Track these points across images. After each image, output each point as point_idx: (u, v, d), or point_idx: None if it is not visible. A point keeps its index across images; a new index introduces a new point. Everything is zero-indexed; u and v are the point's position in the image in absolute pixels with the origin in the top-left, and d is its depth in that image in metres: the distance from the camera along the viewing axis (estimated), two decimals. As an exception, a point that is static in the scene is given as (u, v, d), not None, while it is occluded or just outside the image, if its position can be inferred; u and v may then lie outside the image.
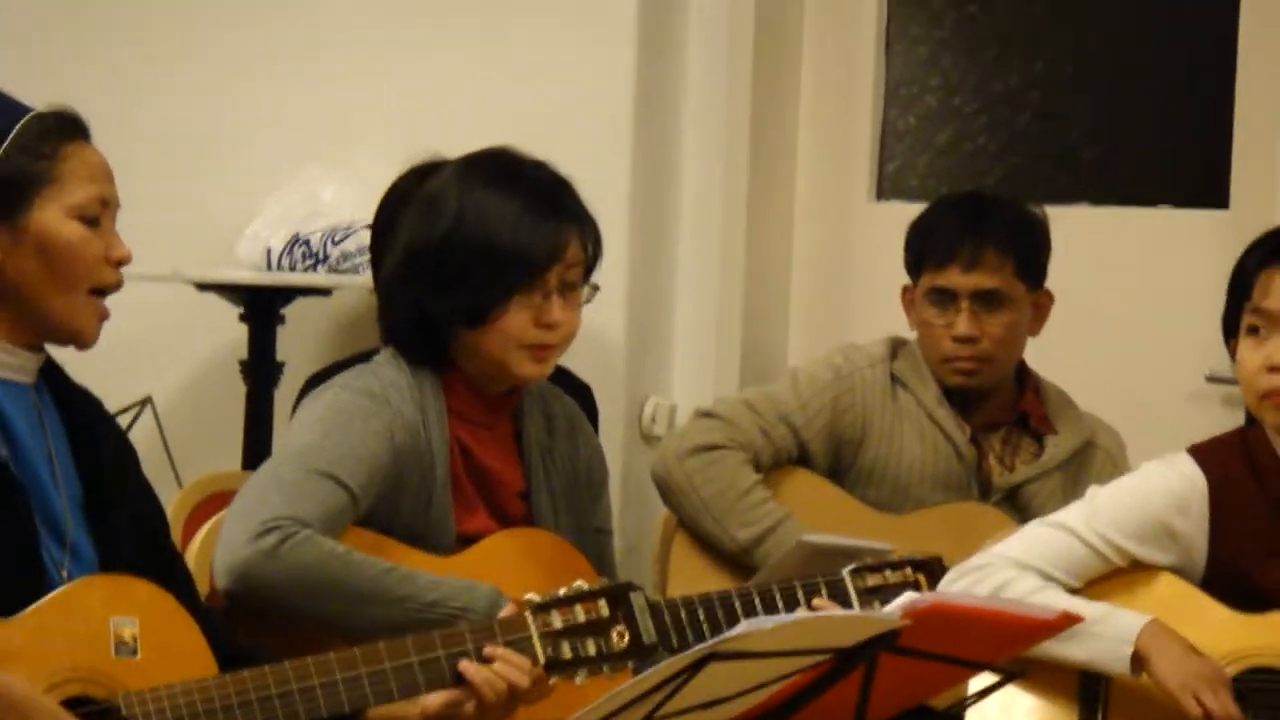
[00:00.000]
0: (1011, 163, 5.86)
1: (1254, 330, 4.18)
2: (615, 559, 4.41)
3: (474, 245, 4.18)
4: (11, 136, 3.48)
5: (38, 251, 3.49)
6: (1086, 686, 4.20)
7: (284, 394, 5.47)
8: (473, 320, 4.17)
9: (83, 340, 3.54)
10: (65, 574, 3.49)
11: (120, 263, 3.53)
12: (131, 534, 3.60)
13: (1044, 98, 5.86)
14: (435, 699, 3.73)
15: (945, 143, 5.93)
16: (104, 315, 3.55)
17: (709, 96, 5.75)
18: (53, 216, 3.50)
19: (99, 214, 3.51)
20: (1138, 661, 4.10)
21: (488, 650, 3.76)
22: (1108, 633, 4.16)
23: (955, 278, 5.04)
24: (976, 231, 5.03)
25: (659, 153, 5.70)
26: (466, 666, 3.74)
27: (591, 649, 3.80)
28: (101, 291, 3.53)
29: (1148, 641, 4.13)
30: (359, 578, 4.02)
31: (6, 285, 3.47)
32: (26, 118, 3.50)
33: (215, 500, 4.36)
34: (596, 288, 4.27)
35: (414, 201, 4.34)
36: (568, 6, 5.63)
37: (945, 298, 5.05)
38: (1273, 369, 4.15)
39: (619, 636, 3.81)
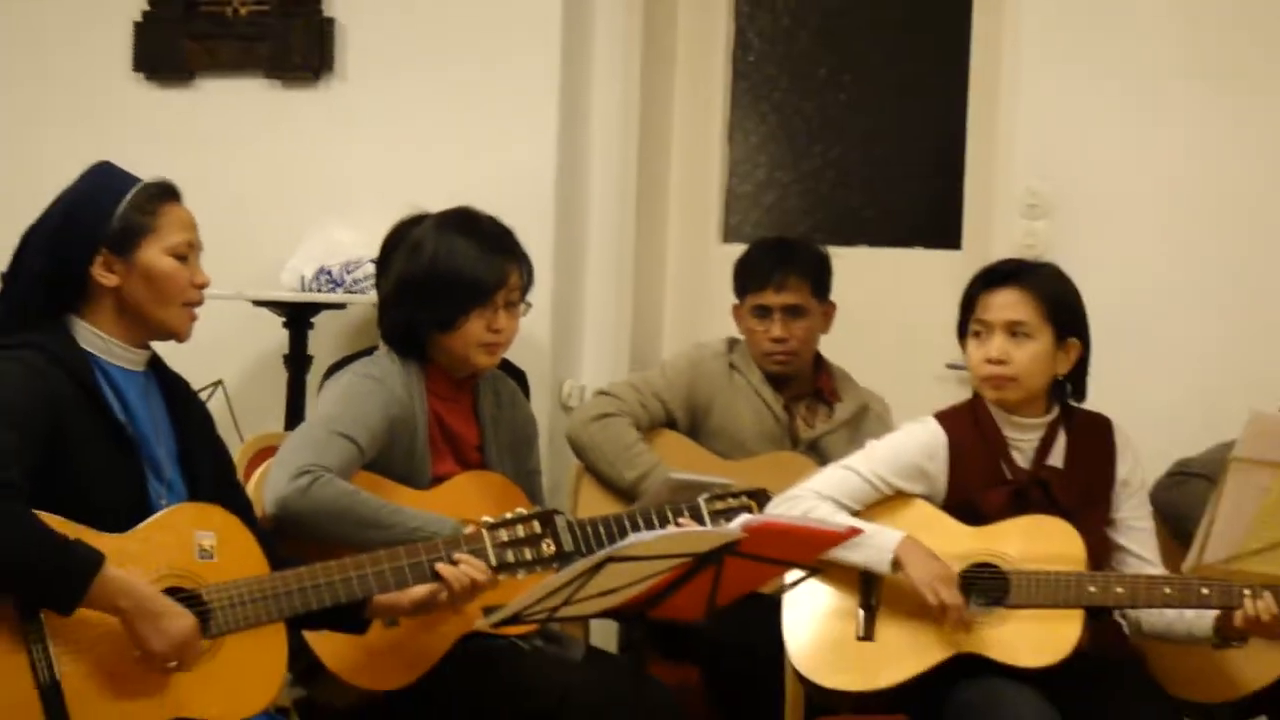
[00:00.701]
0: (815, 217, 6.02)
1: (977, 334, 4.35)
2: (543, 493, 4.55)
3: (445, 276, 4.27)
4: (128, 199, 3.58)
5: (144, 279, 3.57)
6: (866, 575, 4.28)
7: (313, 379, 5.64)
8: (444, 327, 4.27)
9: (180, 337, 3.66)
10: (164, 502, 3.58)
11: (202, 287, 3.67)
12: (210, 475, 3.69)
13: (836, 173, 6.02)
14: (419, 590, 3.82)
15: (770, 203, 6.11)
16: (193, 319, 3.66)
17: (608, 169, 5.87)
18: (155, 255, 3.58)
19: (186, 253, 3.63)
20: (896, 564, 4.20)
21: (456, 556, 3.83)
22: (876, 544, 4.21)
23: (769, 297, 5.16)
24: (783, 264, 5.17)
25: (573, 209, 5.85)
26: (442, 567, 3.82)
27: (528, 555, 3.88)
28: (189, 305, 3.64)
29: (902, 551, 4.20)
30: (364, 510, 4.04)
31: (125, 302, 3.58)
32: (137, 186, 3.62)
33: (265, 452, 4.37)
34: (530, 304, 4.43)
35: (403, 244, 4.42)
36: (514, 109, 5.73)
37: (763, 311, 5.17)
38: (989, 361, 4.30)
39: (547, 546, 3.88)
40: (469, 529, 3.89)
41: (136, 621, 3.36)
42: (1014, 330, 4.25)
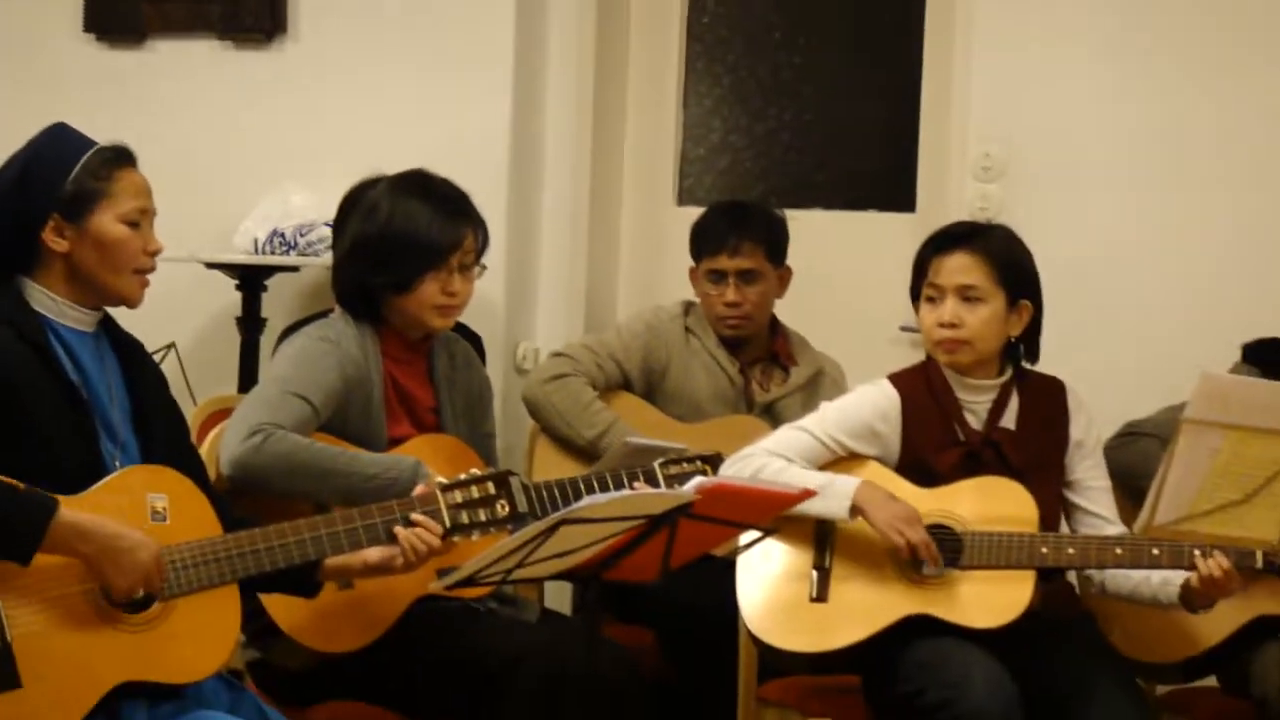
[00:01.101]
0: (769, 180, 6.05)
1: (930, 298, 4.36)
2: (497, 455, 4.56)
3: (400, 238, 4.28)
4: (81, 164, 3.54)
5: (96, 246, 3.54)
6: (819, 534, 4.29)
7: (266, 341, 5.63)
8: (399, 289, 4.29)
9: (131, 303, 3.63)
10: (117, 464, 3.54)
11: (154, 254, 3.63)
12: (163, 436, 3.65)
13: (790, 136, 6.04)
14: (374, 553, 3.80)
15: (724, 166, 6.14)
16: (145, 285, 3.62)
17: (562, 133, 5.89)
18: (108, 221, 3.54)
19: (140, 219, 3.59)
20: (855, 510, 4.19)
21: (412, 517, 3.81)
22: (833, 492, 4.20)
23: (724, 262, 5.21)
24: (737, 229, 5.22)
25: (528, 171, 5.85)
26: (397, 529, 3.80)
27: (482, 516, 3.86)
28: (141, 272, 3.61)
29: (861, 495, 4.20)
30: (320, 460, 4.07)
31: (75, 268, 3.54)
32: (92, 150, 3.57)
33: (219, 414, 4.40)
34: (485, 267, 4.44)
35: (358, 206, 4.44)
36: (468, 73, 5.72)
37: (717, 276, 5.22)
38: (942, 325, 4.31)
39: (501, 507, 3.86)
40: (420, 488, 3.88)
41: (99, 564, 3.35)
42: (966, 294, 4.27)
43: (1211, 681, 4.57)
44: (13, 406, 3.39)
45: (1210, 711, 4.46)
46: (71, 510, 3.34)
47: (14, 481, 3.30)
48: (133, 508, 3.45)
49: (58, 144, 3.57)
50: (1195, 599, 4.16)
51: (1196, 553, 4.07)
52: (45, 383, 3.45)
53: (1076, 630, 4.33)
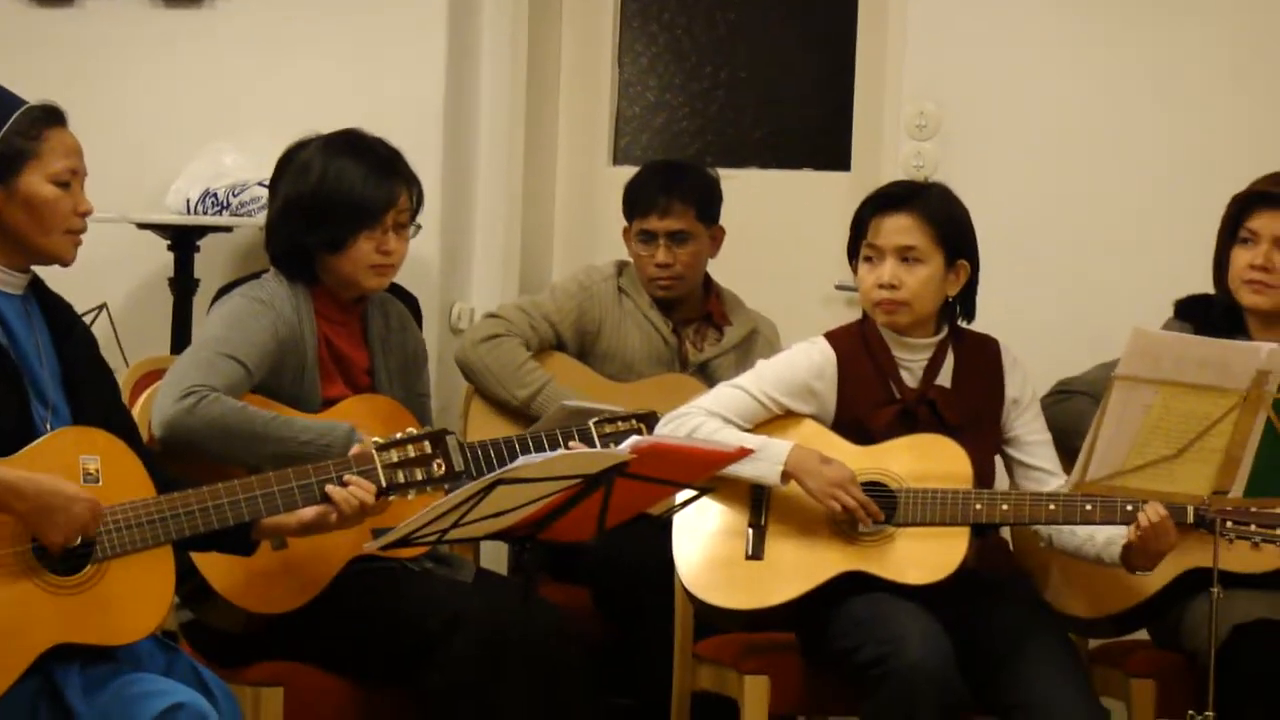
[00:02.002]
0: (704, 139, 6.04)
1: (868, 259, 4.37)
2: (432, 415, 4.54)
3: (333, 197, 4.27)
4: (9, 123, 3.50)
5: (25, 206, 3.51)
6: (755, 492, 4.32)
7: (199, 302, 5.58)
8: (333, 249, 4.27)
9: (63, 262, 3.61)
10: (48, 426, 3.52)
11: (85, 214, 3.60)
12: (94, 398, 3.64)
13: (726, 94, 6.03)
14: (308, 512, 3.79)
15: (659, 125, 6.12)
16: (78, 244, 3.60)
17: (496, 92, 5.86)
18: (36, 182, 3.52)
19: (70, 179, 3.56)
20: (787, 476, 4.22)
21: (346, 477, 3.79)
22: (765, 457, 4.22)
23: (654, 223, 5.21)
24: (667, 189, 5.22)
25: (463, 132, 5.81)
26: (331, 489, 3.78)
27: (418, 475, 3.84)
28: (72, 232, 3.58)
29: (793, 461, 4.23)
30: (253, 424, 4.08)
31: (4, 228, 3.52)
32: (21, 109, 3.53)
33: (151, 376, 4.37)
34: (419, 226, 4.43)
35: (290, 165, 4.38)
36: (402, 31, 5.69)
37: (649, 236, 5.23)
38: (881, 286, 4.32)
39: (438, 466, 3.84)
40: (356, 448, 3.88)
41: (35, 519, 3.35)
42: (905, 255, 4.28)
43: (1143, 635, 4.60)
44: (-62, 369, 3.46)
45: (1142, 664, 4.47)
46: (3, 469, 3.32)
47: None
48: (65, 469, 3.42)
49: (-14, 103, 3.61)
50: (1135, 558, 4.20)
51: (1130, 508, 4.10)
52: (-29, 346, 3.50)
53: (1010, 586, 4.38)
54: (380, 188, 4.26)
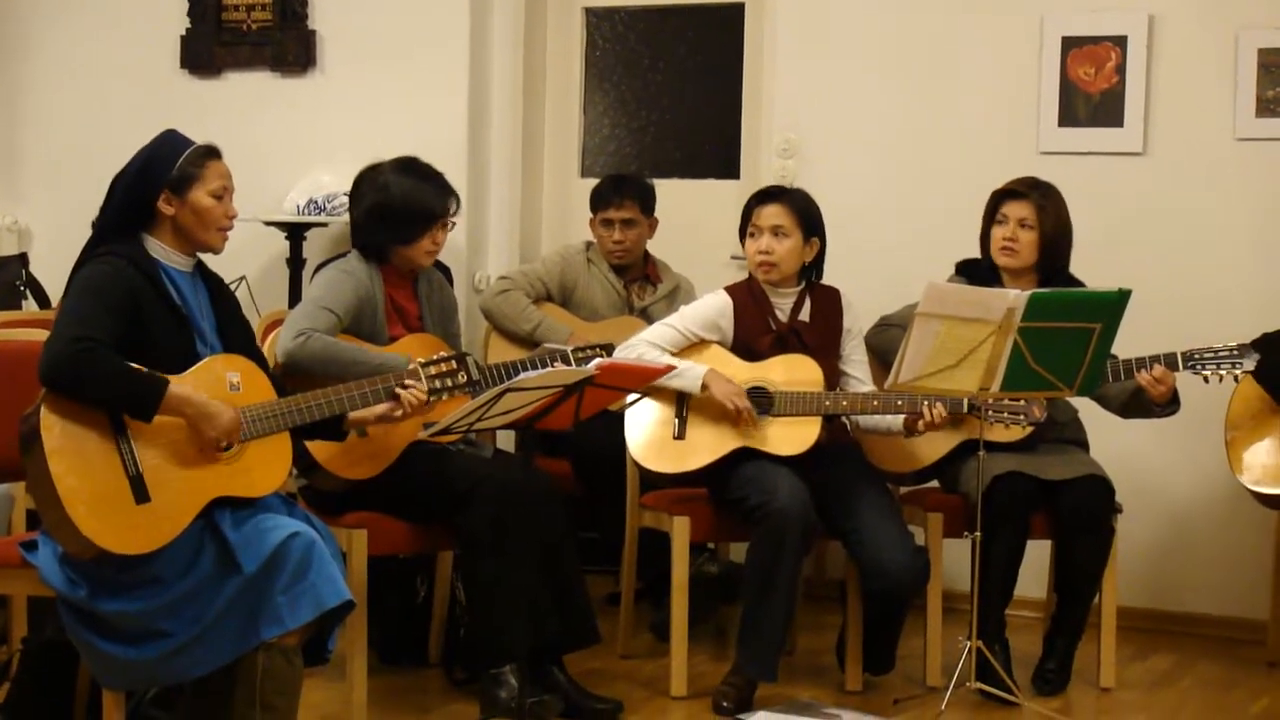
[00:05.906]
0: (642, 159, 5.89)
1: (752, 235, 4.37)
2: (462, 347, 4.37)
3: (411, 207, 4.21)
4: (183, 157, 3.51)
5: (193, 212, 3.51)
6: (680, 397, 4.27)
7: (305, 273, 5.52)
8: (404, 242, 4.22)
9: (216, 251, 3.60)
10: (207, 355, 3.51)
11: (232, 217, 3.59)
12: (237, 338, 3.62)
13: (655, 129, 5.91)
14: (381, 407, 3.77)
15: (612, 150, 5.87)
16: (226, 239, 3.58)
17: (502, 127, 5.71)
18: (201, 195, 3.51)
19: (223, 194, 3.55)
20: (704, 387, 4.23)
21: (407, 382, 3.79)
22: (689, 374, 4.25)
23: (611, 213, 5.17)
24: (619, 191, 5.18)
25: (480, 156, 5.67)
26: (398, 390, 3.77)
27: (449, 383, 3.83)
28: (223, 230, 3.56)
29: (708, 378, 4.24)
30: (344, 354, 4.04)
31: (179, 227, 3.51)
32: (191, 148, 3.54)
33: (275, 323, 4.37)
34: (455, 223, 4.35)
35: (370, 183, 4.31)
36: (436, 90, 5.60)
37: (608, 223, 5.19)
38: (760, 253, 4.33)
39: (462, 376, 3.84)
40: (411, 365, 3.84)
41: (197, 421, 3.37)
42: (777, 231, 4.27)
43: (935, 485, 4.58)
44: (138, 321, 3.38)
45: (933, 503, 4.45)
46: (177, 385, 3.35)
47: (139, 367, 3.32)
48: (217, 382, 3.45)
49: (169, 143, 3.54)
50: (913, 430, 4.20)
51: (925, 403, 4.11)
52: (159, 304, 3.43)
53: (848, 454, 4.37)
54: (440, 200, 4.22)
